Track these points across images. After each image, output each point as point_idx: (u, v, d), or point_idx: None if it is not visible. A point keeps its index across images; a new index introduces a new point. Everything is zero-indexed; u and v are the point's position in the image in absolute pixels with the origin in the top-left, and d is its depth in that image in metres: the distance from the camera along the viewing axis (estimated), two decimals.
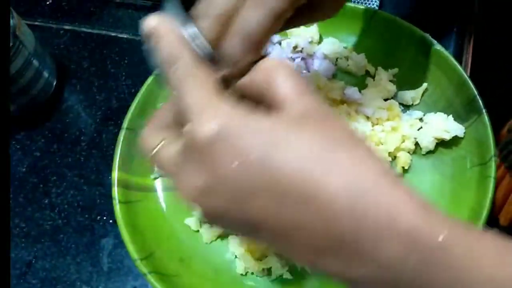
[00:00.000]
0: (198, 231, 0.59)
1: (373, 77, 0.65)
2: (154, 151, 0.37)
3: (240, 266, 0.57)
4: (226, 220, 0.32)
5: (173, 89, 0.35)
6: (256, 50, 0.39)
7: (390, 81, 0.64)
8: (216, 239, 0.59)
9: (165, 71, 0.36)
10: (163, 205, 0.61)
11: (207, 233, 0.59)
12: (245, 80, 0.36)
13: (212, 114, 0.30)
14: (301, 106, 0.32)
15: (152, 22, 0.37)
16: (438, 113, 0.60)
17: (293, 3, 0.39)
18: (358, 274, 0.29)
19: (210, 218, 0.33)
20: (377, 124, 0.60)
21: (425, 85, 0.62)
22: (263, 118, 0.31)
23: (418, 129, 0.60)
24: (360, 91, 0.63)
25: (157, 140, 0.37)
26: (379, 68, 0.65)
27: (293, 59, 0.66)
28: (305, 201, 0.28)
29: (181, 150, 0.33)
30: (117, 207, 0.57)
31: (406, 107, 0.63)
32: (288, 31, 0.69)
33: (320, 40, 0.69)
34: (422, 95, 0.62)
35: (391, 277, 0.28)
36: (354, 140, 0.30)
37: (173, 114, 0.37)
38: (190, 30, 0.38)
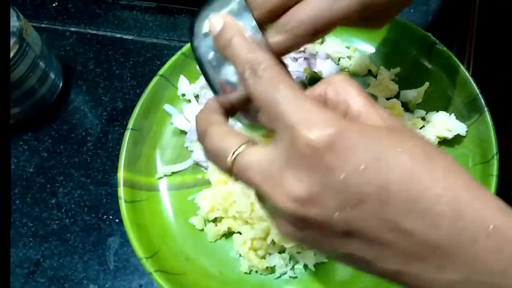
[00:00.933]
0: (202, 230, 0.60)
1: (376, 76, 0.65)
2: (233, 156, 0.34)
3: (244, 265, 0.57)
4: (323, 230, 0.31)
5: (258, 95, 0.33)
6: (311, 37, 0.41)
7: (392, 80, 0.64)
8: (220, 238, 0.60)
9: (242, 75, 0.35)
10: (168, 204, 0.62)
11: (212, 232, 0.59)
12: (314, 91, 0.36)
13: (321, 122, 0.30)
14: (384, 120, 0.33)
15: (217, 23, 0.37)
16: (440, 112, 0.60)
17: (349, 14, 0.40)
18: (448, 279, 0.29)
19: (303, 228, 0.31)
20: None
21: (427, 84, 0.63)
22: (368, 127, 0.31)
23: (420, 128, 0.61)
24: None
25: (233, 144, 0.34)
26: (381, 67, 0.65)
27: (296, 59, 0.67)
28: (409, 206, 0.29)
29: (278, 157, 0.31)
30: (123, 207, 0.58)
31: (408, 106, 0.63)
32: None
33: (323, 40, 0.69)
34: (424, 94, 0.63)
35: (480, 280, 0.29)
36: (438, 151, 0.31)
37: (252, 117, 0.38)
38: (251, 25, 0.38)
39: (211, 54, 0.40)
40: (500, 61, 0.66)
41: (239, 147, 0.34)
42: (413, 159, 0.30)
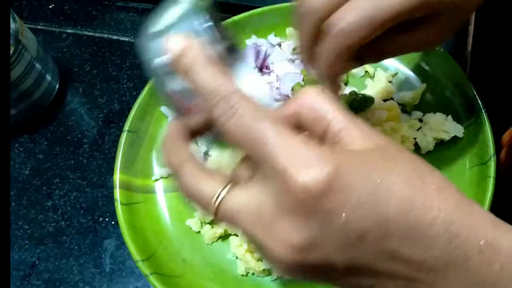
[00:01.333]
0: (199, 232, 0.60)
1: (372, 77, 0.65)
2: (216, 202, 0.31)
3: (241, 267, 0.57)
4: (324, 271, 0.30)
5: (237, 134, 0.30)
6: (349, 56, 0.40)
7: (389, 82, 0.64)
8: (217, 240, 0.60)
9: (211, 109, 0.31)
10: (165, 206, 0.61)
11: (208, 234, 0.59)
12: (286, 111, 0.33)
13: (313, 162, 0.28)
14: (367, 136, 0.31)
15: (177, 45, 0.34)
16: (437, 113, 0.60)
17: (399, 14, 0.38)
18: None
19: (304, 272, 0.30)
20: (376, 125, 0.60)
21: (424, 85, 0.63)
22: (359, 156, 0.29)
23: (418, 130, 0.60)
24: None
25: (213, 187, 0.32)
26: (378, 69, 0.65)
27: (293, 61, 0.67)
28: (407, 233, 0.28)
29: (269, 202, 0.29)
30: (119, 209, 0.58)
31: (405, 107, 0.63)
32: (287, 32, 0.70)
33: None
34: (421, 95, 0.63)
35: None
36: (429, 168, 0.31)
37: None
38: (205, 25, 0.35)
39: (158, 60, 0.36)
40: (497, 63, 0.66)
41: (221, 190, 0.31)
42: (408, 183, 0.29)
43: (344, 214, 0.28)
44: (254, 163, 0.32)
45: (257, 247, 0.31)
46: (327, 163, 0.28)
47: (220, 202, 0.31)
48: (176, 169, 0.34)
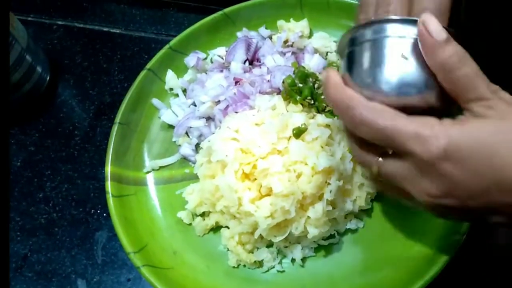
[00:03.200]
0: (190, 224, 0.60)
1: None
2: (376, 167, 0.42)
3: (232, 259, 0.58)
4: (461, 210, 0.39)
5: (377, 139, 0.40)
6: None
7: None
8: (208, 232, 0.60)
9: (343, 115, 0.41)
10: (156, 198, 0.62)
11: (200, 226, 0.60)
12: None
13: (429, 139, 0.37)
14: (492, 107, 0.38)
15: (323, 75, 0.43)
16: None
17: None
18: None
19: (440, 212, 0.41)
20: None
21: None
22: (469, 131, 0.37)
23: None
24: None
25: (371, 159, 0.42)
26: None
27: (284, 53, 0.67)
28: None
29: (408, 166, 0.39)
30: (111, 201, 0.58)
31: None
32: (278, 25, 0.70)
33: (311, 35, 0.70)
34: None
35: None
36: None
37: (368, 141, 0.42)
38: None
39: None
40: (495, 63, 0.66)
41: (378, 159, 0.42)
42: None
43: (463, 174, 0.36)
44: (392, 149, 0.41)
45: (408, 198, 0.42)
46: (443, 137, 0.36)
47: (379, 167, 0.42)
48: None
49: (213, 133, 0.62)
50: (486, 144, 0.36)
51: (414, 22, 0.40)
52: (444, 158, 0.36)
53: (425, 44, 0.39)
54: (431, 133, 0.37)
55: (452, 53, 0.38)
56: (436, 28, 0.38)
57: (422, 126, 0.37)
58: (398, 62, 0.40)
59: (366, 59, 0.41)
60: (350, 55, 0.43)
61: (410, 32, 0.40)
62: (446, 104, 0.40)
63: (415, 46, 0.40)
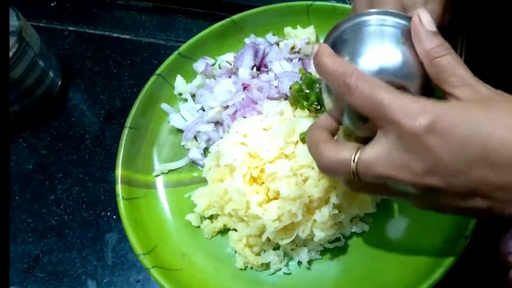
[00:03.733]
0: (199, 226, 0.61)
1: None
2: (355, 162, 0.41)
3: (239, 261, 0.59)
4: (444, 194, 0.39)
5: (359, 104, 0.40)
6: None
7: None
8: (216, 235, 0.61)
9: (338, 89, 0.42)
10: (165, 201, 0.63)
11: (208, 228, 0.61)
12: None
13: (419, 112, 0.37)
14: (475, 92, 0.39)
15: (314, 49, 0.44)
16: None
17: None
18: None
19: (428, 195, 0.40)
20: None
21: None
22: (455, 107, 0.38)
23: None
24: None
25: (348, 153, 0.42)
26: None
27: (291, 60, 0.68)
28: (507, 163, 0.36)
29: (394, 148, 0.39)
30: (121, 203, 0.59)
31: None
32: (285, 31, 0.71)
33: (317, 41, 0.71)
34: None
35: None
36: None
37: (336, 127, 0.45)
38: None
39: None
40: (492, 63, 0.67)
41: (355, 152, 0.41)
42: (508, 126, 0.36)
43: (449, 148, 0.36)
44: (375, 124, 0.40)
45: (393, 189, 0.42)
46: (430, 111, 0.37)
47: (358, 160, 0.41)
48: (315, 149, 0.44)
49: (222, 138, 0.64)
50: (471, 120, 0.37)
51: (406, 18, 0.44)
52: (429, 131, 0.37)
53: (416, 32, 0.42)
54: (419, 107, 0.37)
55: (440, 43, 0.42)
56: (428, 20, 0.42)
57: (412, 100, 0.38)
58: (393, 45, 0.43)
59: (361, 42, 0.44)
60: (342, 35, 0.45)
61: (403, 23, 0.44)
62: (426, 90, 0.43)
63: (407, 34, 0.43)
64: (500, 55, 0.69)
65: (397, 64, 0.43)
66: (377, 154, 0.40)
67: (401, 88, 0.42)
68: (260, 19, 0.71)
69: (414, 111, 0.37)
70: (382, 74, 0.42)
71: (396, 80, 0.42)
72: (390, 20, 0.45)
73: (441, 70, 0.41)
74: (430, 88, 0.43)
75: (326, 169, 0.44)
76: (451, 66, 0.41)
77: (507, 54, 0.69)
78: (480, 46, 0.68)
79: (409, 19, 0.44)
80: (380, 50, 0.43)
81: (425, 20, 0.42)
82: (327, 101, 0.46)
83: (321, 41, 0.70)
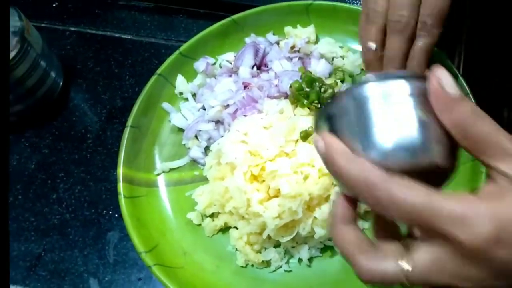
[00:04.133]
0: (200, 225, 0.62)
1: None
2: (407, 277, 0.34)
3: (240, 259, 0.59)
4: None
5: (398, 216, 0.33)
6: None
7: None
8: (217, 233, 0.62)
9: (363, 200, 0.35)
10: (166, 200, 0.63)
11: (209, 227, 0.61)
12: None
13: (478, 219, 0.31)
14: None
15: (320, 142, 0.37)
16: None
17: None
18: None
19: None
20: None
21: None
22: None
23: None
24: None
25: (393, 265, 0.35)
26: None
27: (291, 59, 0.68)
28: None
29: (451, 259, 0.33)
30: (122, 202, 0.59)
31: None
32: (285, 31, 0.72)
33: (317, 40, 0.71)
34: None
35: None
36: None
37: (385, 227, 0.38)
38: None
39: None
40: (490, 62, 0.68)
41: (402, 264, 0.34)
42: None
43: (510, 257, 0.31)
44: (423, 234, 0.34)
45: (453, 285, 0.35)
46: (490, 218, 0.31)
47: (410, 273, 0.34)
48: (349, 258, 0.37)
49: (222, 136, 0.64)
50: None
51: (412, 77, 0.36)
52: (494, 243, 0.31)
53: (440, 100, 0.34)
54: (474, 214, 0.31)
55: (470, 108, 0.34)
56: (450, 83, 0.34)
57: (462, 204, 0.32)
58: (412, 124, 0.35)
59: (369, 120, 0.35)
60: (342, 114, 0.36)
61: (412, 86, 0.35)
62: (454, 164, 0.36)
63: (422, 101, 0.35)
64: (500, 54, 0.69)
65: (423, 145, 0.34)
66: (432, 264, 0.34)
67: (429, 167, 0.35)
68: (260, 18, 0.72)
69: (469, 221, 0.31)
70: (411, 165, 0.34)
71: (423, 163, 0.34)
72: (395, 86, 0.35)
73: (476, 141, 0.34)
74: (456, 155, 0.36)
75: (368, 281, 0.36)
76: (488, 134, 0.34)
77: (507, 54, 0.69)
78: (480, 45, 0.68)
79: (415, 78, 0.36)
80: (399, 134, 0.34)
81: (446, 83, 0.34)
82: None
83: (322, 40, 0.70)
